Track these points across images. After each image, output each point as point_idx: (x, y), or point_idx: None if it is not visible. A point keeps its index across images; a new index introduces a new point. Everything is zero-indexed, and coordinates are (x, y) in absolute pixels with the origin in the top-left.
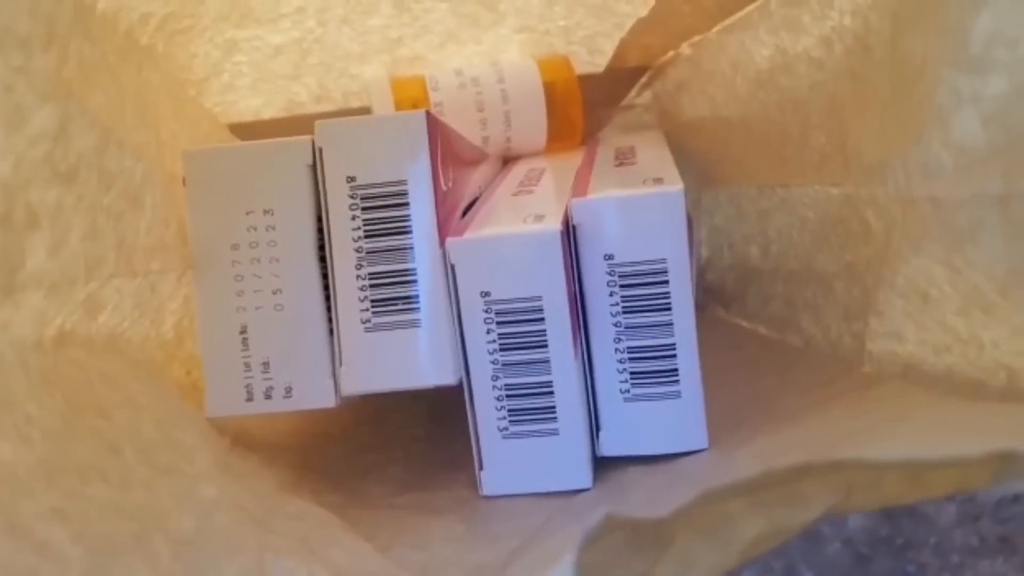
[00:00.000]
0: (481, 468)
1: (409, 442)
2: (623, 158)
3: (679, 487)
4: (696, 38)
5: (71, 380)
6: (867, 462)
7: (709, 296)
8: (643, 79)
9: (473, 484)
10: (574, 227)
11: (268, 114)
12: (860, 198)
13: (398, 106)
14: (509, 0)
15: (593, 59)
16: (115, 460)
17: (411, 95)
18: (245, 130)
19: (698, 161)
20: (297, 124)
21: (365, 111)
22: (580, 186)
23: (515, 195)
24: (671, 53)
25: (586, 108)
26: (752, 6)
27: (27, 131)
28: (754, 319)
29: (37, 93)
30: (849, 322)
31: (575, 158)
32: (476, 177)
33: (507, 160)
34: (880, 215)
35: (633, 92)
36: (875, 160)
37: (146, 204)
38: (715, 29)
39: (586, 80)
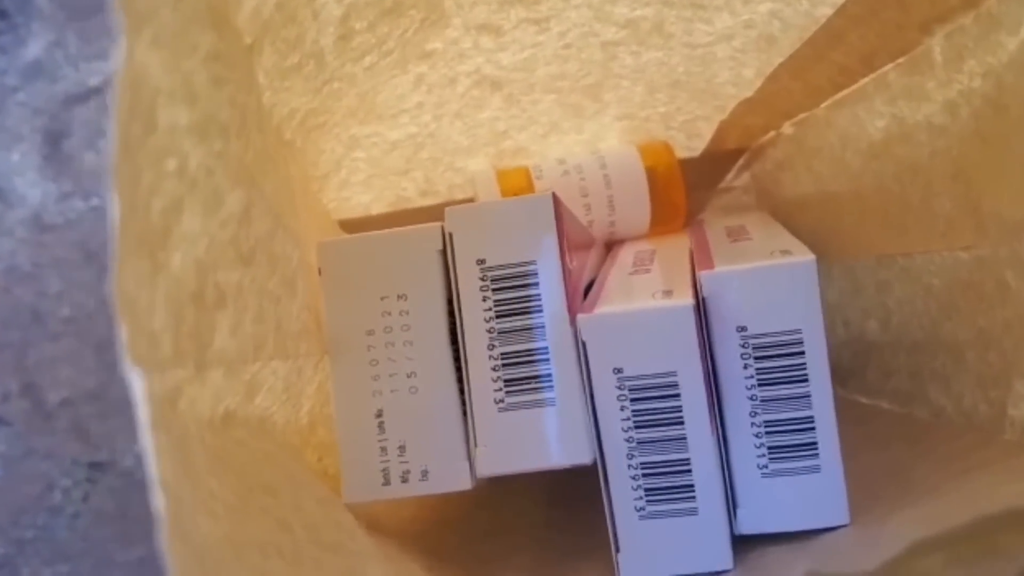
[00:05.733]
0: (618, 551)
1: (530, 528)
2: (736, 235)
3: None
4: (800, 116)
5: (239, 458)
6: None
7: None
8: (740, 161)
9: (606, 571)
10: (704, 299)
11: (376, 209)
12: (998, 259)
13: (504, 196)
14: (613, 89)
15: (691, 143)
16: (287, 537)
17: (516, 185)
18: (354, 226)
19: (805, 237)
20: (403, 218)
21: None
22: (704, 260)
23: (632, 275)
24: (771, 133)
25: (686, 191)
26: (867, 78)
27: (220, 214)
28: (875, 395)
29: (230, 178)
30: (985, 390)
31: (681, 240)
32: (589, 260)
33: (610, 245)
34: (1022, 275)
35: (731, 174)
36: (1019, 217)
37: (298, 289)
38: (823, 104)
39: (684, 164)
